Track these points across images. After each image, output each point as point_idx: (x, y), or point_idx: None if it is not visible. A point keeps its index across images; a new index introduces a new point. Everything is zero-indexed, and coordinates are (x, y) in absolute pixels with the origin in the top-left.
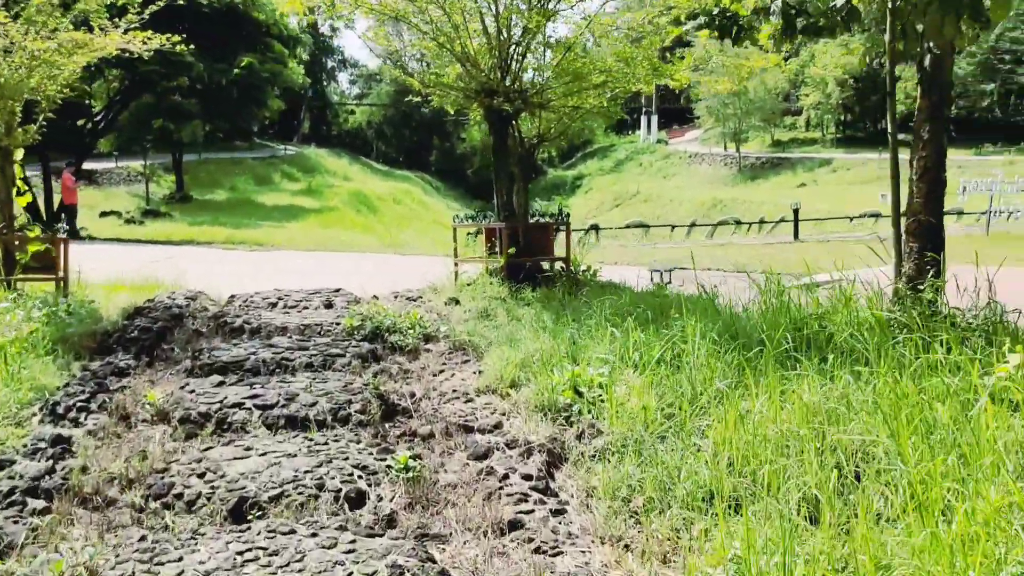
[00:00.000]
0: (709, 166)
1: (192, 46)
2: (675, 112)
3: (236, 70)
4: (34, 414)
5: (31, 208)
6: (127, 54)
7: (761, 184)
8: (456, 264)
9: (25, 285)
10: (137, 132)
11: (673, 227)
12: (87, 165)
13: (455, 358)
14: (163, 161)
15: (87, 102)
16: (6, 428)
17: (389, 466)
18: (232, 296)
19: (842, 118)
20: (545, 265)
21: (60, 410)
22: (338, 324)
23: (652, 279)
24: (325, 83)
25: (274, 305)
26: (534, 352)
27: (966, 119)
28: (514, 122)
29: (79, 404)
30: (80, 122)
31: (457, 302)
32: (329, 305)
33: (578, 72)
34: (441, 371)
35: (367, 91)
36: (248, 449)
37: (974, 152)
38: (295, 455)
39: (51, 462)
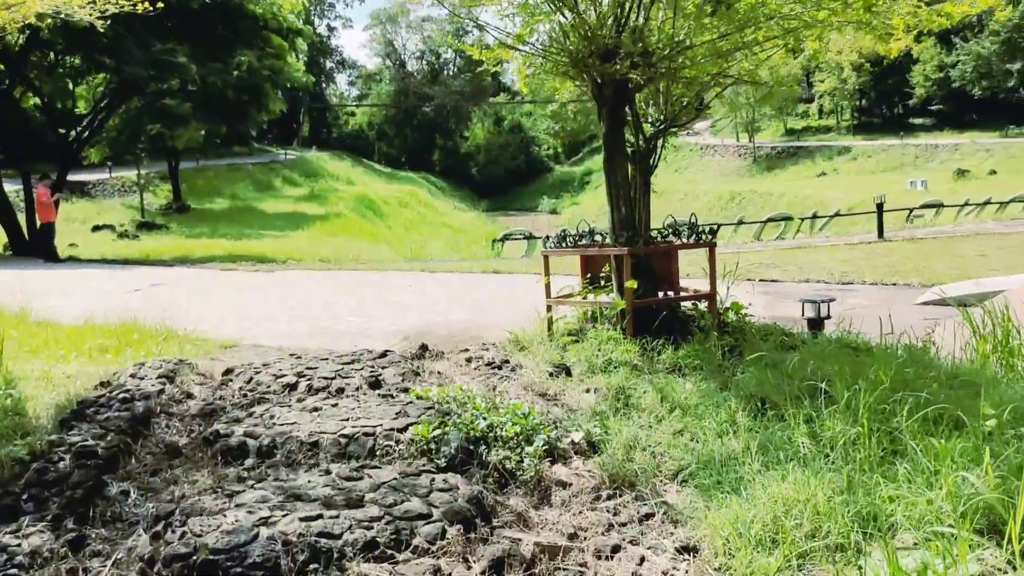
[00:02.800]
0: (722, 157)
1: (183, 46)
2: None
3: (235, 72)
4: None
5: (10, 228)
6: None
7: (778, 175)
8: (549, 307)
9: None
10: (128, 140)
11: (718, 226)
12: (79, 176)
13: (623, 508)
14: (159, 170)
15: (73, 109)
16: None
17: None
18: (228, 372)
19: (859, 103)
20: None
21: None
22: (402, 431)
23: (804, 313)
24: (324, 85)
25: (293, 387)
26: (780, 504)
27: (990, 100)
28: (631, 102)
29: None
30: (62, 131)
31: (567, 371)
32: (377, 384)
33: (745, 16)
34: (612, 551)
35: (367, 91)
36: None
37: (1000, 134)
38: None
39: None
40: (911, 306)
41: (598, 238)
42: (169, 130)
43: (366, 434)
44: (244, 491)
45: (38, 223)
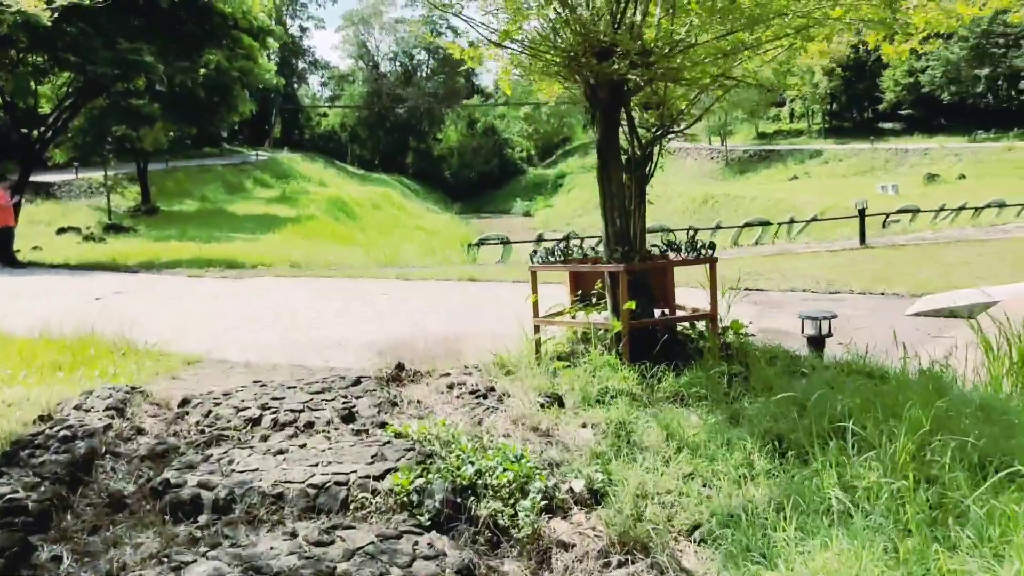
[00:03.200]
0: (695, 160)
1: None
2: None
3: (203, 70)
4: None
5: None
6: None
7: (751, 178)
8: (537, 327)
9: None
10: (92, 139)
11: (695, 231)
12: (44, 177)
13: None
14: (127, 171)
15: (36, 108)
16: None
17: None
18: (185, 403)
19: (830, 107)
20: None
21: None
22: (380, 478)
23: (804, 330)
24: (296, 85)
25: (256, 422)
26: None
27: (958, 105)
28: (627, 105)
29: None
30: (24, 130)
31: (560, 402)
32: (350, 417)
33: (753, 13)
34: None
35: (339, 93)
36: None
37: (968, 139)
38: None
39: None
40: (903, 317)
41: (589, 252)
42: (134, 130)
43: (338, 483)
44: (195, 561)
45: None
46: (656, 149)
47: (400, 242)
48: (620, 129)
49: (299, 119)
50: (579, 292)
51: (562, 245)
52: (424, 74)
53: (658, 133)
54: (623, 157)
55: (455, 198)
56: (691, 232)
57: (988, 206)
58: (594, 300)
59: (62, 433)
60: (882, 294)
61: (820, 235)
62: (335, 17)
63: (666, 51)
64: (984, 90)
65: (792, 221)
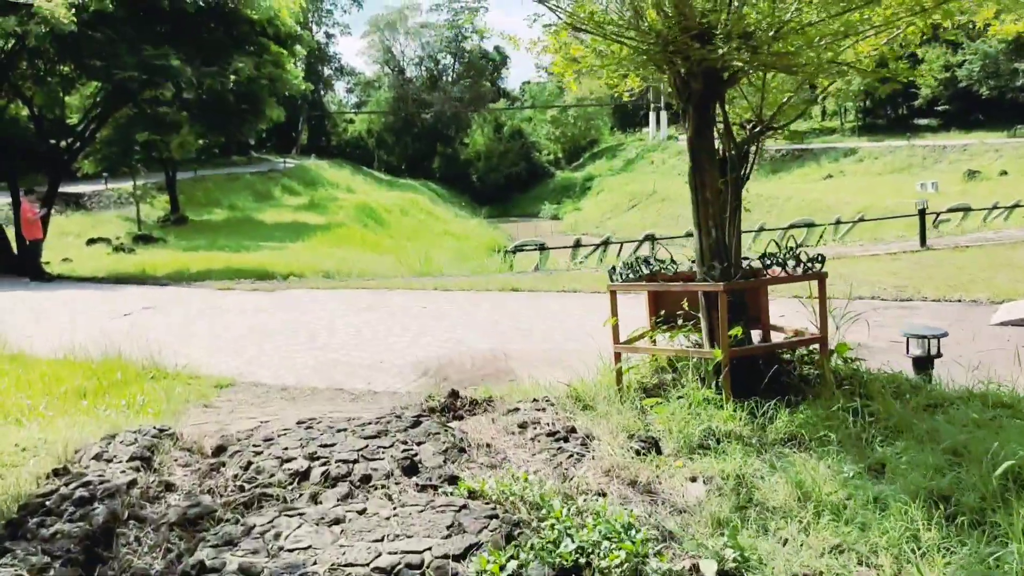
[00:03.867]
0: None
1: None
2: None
3: (232, 76)
4: None
5: None
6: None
7: (784, 177)
8: (618, 355)
9: None
10: (120, 149)
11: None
12: (74, 188)
13: None
14: (156, 180)
15: (64, 119)
16: None
17: None
18: (220, 450)
19: (863, 104)
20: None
21: None
22: (460, 558)
23: (909, 350)
24: (322, 92)
25: (303, 476)
26: None
27: (997, 100)
28: (722, 98)
29: None
30: (52, 141)
31: (657, 447)
32: (413, 468)
33: None
34: None
35: (366, 99)
36: None
37: (1008, 134)
38: None
39: None
40: (988, 327)
41: (667, 264)
42: (160, 137)
43: (411, 566)
44: None
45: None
46: (753, 149)
47: (431, 248)
48: (718, 123)
49: (325, 126)
50: (661, 313)
51: (643, 257)
52: (450, 78)
53: (756, 130)
54: (726, 156)
55: (482, 202)
56: (791, 240)
57: None
58: (678, 321)
59: (79, 493)
60: (959, 301)
61: (869, 236)
62: (360, 23)
63: (771, 33)
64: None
65: (839, 222)
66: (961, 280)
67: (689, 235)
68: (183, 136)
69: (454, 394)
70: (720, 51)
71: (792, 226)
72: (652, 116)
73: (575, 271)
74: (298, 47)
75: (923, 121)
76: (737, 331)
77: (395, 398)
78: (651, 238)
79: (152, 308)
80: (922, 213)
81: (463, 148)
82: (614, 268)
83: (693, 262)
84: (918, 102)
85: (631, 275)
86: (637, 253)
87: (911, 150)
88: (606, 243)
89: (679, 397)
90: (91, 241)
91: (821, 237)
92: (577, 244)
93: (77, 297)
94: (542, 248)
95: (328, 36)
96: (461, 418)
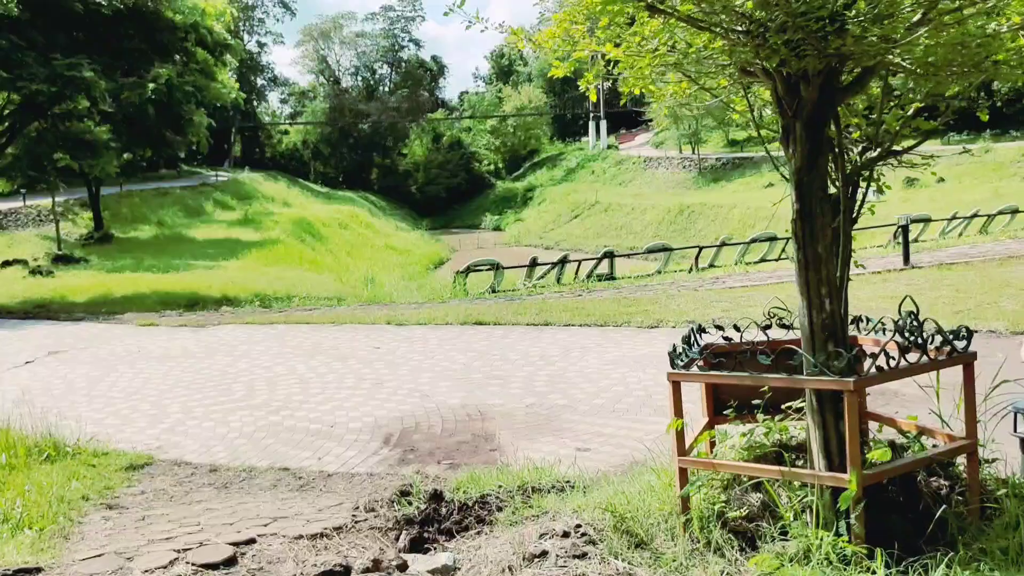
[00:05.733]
0: (667, 170)
1: (92, 61)
2: (622, 116)
3: (152, 84)
4: None
5: None
6: None
7: (725, 186)
8: (683, 471)
9: None
10: (28, 167)
11: (700, 248)
12: None
13: None
14: (79, 196)
15: None
16: None
17: None
18: None
19: None
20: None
21: None
22: None
23: (1017, 427)
24: (255, 103)
25: None
26: None
27: (931, 109)
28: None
29: None
30: None
31: None
32: None
33: None
34: None
35: (300, 109)
36: None
37: (942, 142)
38: None
39: None
40: (1020, 364)
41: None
42: (76, 159)
43: None
44: None
45: None
46: (869, 177)
47: (372, 265)
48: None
49: (259, 137)
50: (732, 403)
51: (700, 326)
52: (387, 88)
53: (873, 155)
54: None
55: (423, 214)
56: (911, 310)
57: (1000, 212)
58: (743, 411)
59: None
60: (976, 332)
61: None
62: (293, 32)
63: (914, 19)
64: (954, 92)
65: None
66: (967, 305)
67: (651, 251)
68: (101, 162)
69: (436, 497)
70: (850, 42)
71: (754, 240)
72: (591, 125)
73: (536, 296)
74: (228, 56)
75: None
76: (881, 455)
77: (353, 484)
78: (609, 255)
79: (59, 352)
80: (904, 230)
81: (401, 159)
82: (675, 351)
83: (765, 327)
84: None
85: (701, 355)
86: (596, 271)
87: None
88: (563, 261)
89: (784, 537)
90: (5, 263)
91: (783, 251)
92: (533, 263)
93: None
94: (497, 268)
95: (260, 45)
96: (449, 534)
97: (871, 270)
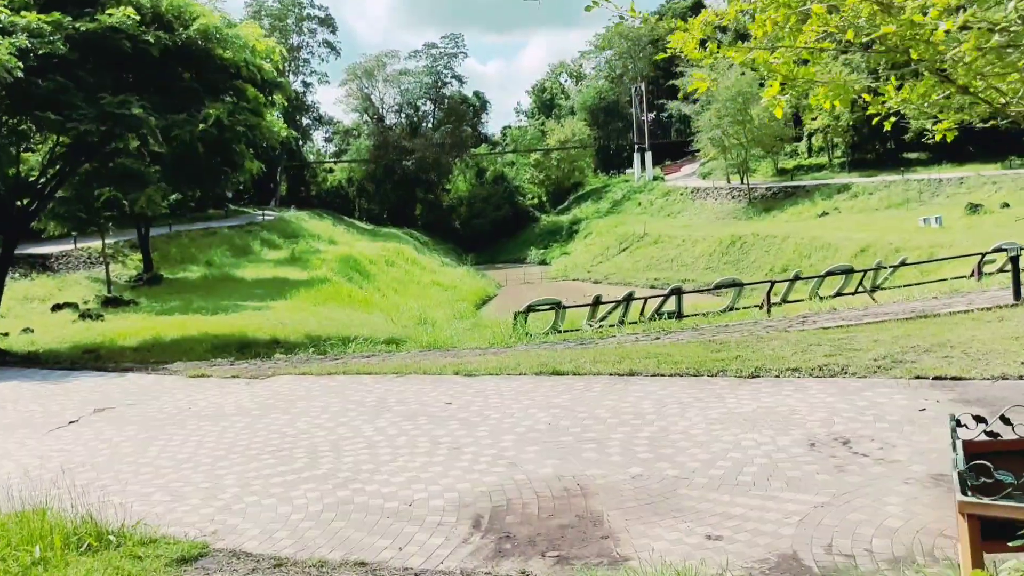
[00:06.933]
0: (715, 200)
1: (142, 101)
2: (667, 147)
3: (202, 124)
4: None
5: None
6: None
7: (777, 215)
8: None
9: None
10: (80, 207)
11: (772, 283)
12: (40, 249)
13: None
14: (128, 238)
15: (19, 176)
16: None
17: None
18: None
19: (852, 139)
20: None
21: None
22: None
23: None
24: (301, 142)
25: None
26: None
27: (989, 131)
28: None
29: None
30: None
31: None
32: None
33: None
34: None
35: (345, 147)
36: None
37: (1003, 166)
38: None
39: None
40: None
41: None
42: (122, 193)
43: None
44: None
45: None
46: None
47: (420, 301)
48: None
49: (305, 176)
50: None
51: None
52: (430, 124)
53: None
54: None
55: (467, 249)
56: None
57: None
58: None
59: None
60: None
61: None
62: (338, 71)
63: None
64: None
65: (879, 267)
66: None
67: (721, 287)
68: (148, 192)
69: None
70: None
71: (830, 273)
72: (636, 156)
73: (609, 340)
74: (277, 94)
75: (913, 155)
76: None
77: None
78: (677, 292)
79: (106, 410)
80: (1015, 261)
81: (445, 195)
82: (963, 476)
83: None
84: (908, 135)
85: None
86: (663, 309)
87: (906, 184)
88: (629, 299)
89: None
90: (56, 307)
91: (860, 283)
92: (597, 301)
93: (11, 394)
94: (559, 307)
95: (306, 85)
96: None
97: (979, 307)
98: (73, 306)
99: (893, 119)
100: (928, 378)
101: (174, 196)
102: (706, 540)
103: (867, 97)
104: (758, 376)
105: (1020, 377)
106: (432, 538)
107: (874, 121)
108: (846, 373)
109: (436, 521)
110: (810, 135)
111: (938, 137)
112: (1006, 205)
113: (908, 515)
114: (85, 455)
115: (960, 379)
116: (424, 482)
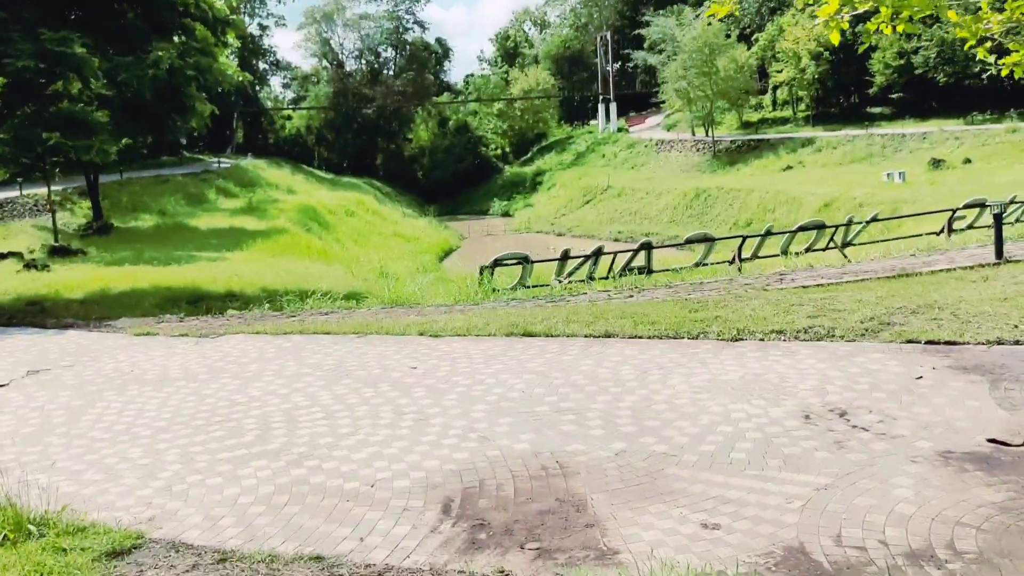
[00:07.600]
0: (680, 153)
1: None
2: (632, 98)
3: (151, 70)
4: None
5: None
6: None
7: (741, 169)
8: None
9: None
10: (15, 152)
11: (744, 238)
12: None
13: None
14: (77, 185)
15: None
16: None
17: None
18: None
19: (816, 93)
20: None
21: None
22: None
23: None
24: (257, 87)
25: None
26: None
27: (953, 87)
28: None
29: None
30: None
31: None
32: None
33: None
34: None
35: (303, 94)
36: None
37: (965, 121)
38: None
39: None
40: None
41: None
42: (69, 141)
43: None
44: None
45: None
46: None
47: (381, 253)
48: None
49: (262, 123)
50: None
51: None
52: (392, 71)
53: None
54: None
55: (429, 200)
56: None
57: None
58: None
59: None
60: None
61: (882, 236)
62: (296, 15)
63: None
64: (980, 70)
65: (851, 222)
66: None
67: (692, 242)
68: (97, 143)
69: None
70: None
71: (802, 228)
72: (601, 107)
73: (580, 297)
74: (229, 34)
75: (876, 109)
76: None
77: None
78: (647, 247)
79: (40, 372)
80: (998, 219)
81: (407, 144)
82: None
83: None
84: (872, 90)
85: None
86: (632, 264)
87: (869, 139)
88: (598, 253)
89: None
90: (0, 256)
91: (831, 239)
92: (565, 256)
93: None
94: (526, 261)
95: (262, 28)
96: None
97: (960, 265)
98: (17, 255)
99: (988, 44)
100: (920, 342)
101: (124, 141)
102: (702, 529)
103: (954, 17)
104: (742, 339)
105: (1016, 342)
106: (397, 526)
107: (967, 46)
108: (833, 336)
109: (401, 506)
110: (775, 88)
111: (1004, 72)
112: (968, 160)
113: (920, 500)
114: (13, 425)
115: (954, 343)
116: (388, 459)
